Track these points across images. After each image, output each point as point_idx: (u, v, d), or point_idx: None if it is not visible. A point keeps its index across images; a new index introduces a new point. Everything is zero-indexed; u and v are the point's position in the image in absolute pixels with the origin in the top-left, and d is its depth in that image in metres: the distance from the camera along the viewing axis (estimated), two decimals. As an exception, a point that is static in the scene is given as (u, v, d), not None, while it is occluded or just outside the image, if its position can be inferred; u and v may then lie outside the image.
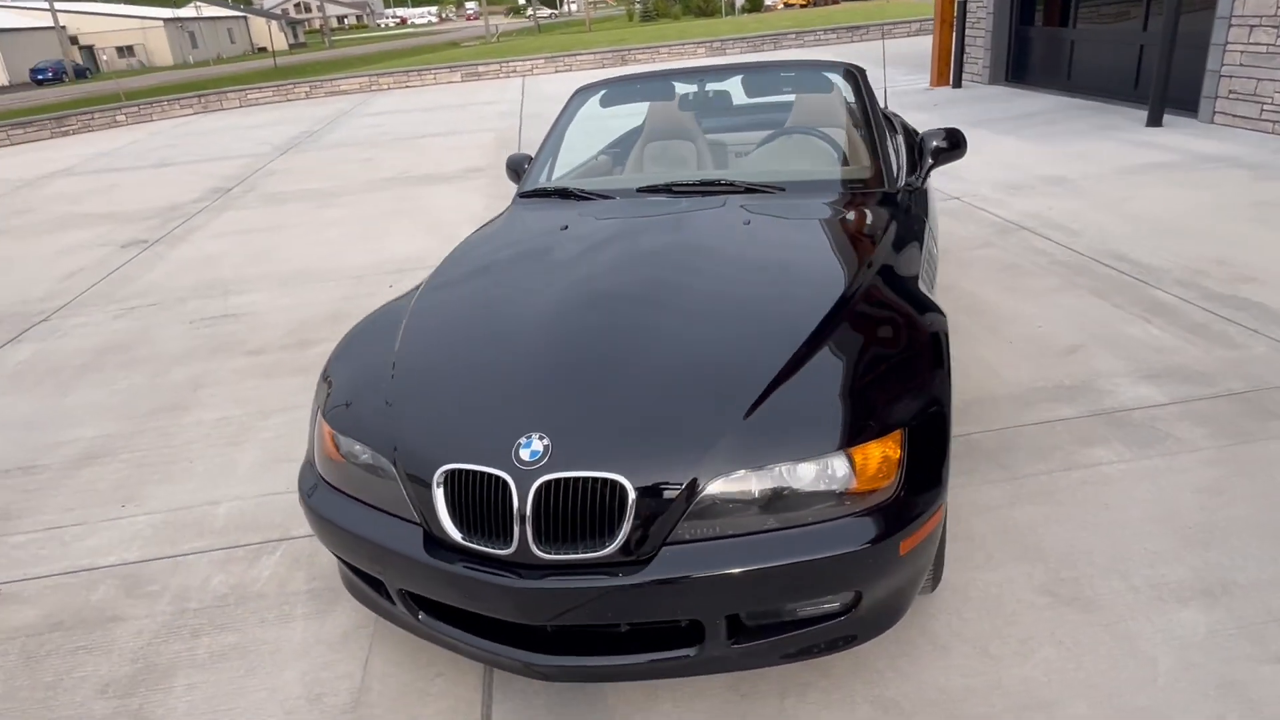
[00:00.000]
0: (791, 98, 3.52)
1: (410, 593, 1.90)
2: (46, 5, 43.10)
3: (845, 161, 3.03)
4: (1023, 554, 2.35)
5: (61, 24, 43.65)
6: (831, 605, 1.76)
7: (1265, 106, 7.03)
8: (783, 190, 2.79)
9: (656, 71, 3.54)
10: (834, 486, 1.71)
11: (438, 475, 1.76)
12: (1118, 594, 2.17)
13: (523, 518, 1.67)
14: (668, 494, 1.66)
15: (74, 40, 50.30)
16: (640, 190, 2.94)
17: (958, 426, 3.01)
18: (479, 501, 1.72)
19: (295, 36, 74.06)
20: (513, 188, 3.86)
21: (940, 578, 2.17)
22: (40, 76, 41.47)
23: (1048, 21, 10.38)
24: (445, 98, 16.53)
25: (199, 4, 61.61)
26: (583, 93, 3.53)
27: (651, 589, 1.63)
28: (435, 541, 1.78)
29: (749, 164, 3.20)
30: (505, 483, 1.69)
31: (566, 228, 2.67)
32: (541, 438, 1.72)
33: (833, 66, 3.38)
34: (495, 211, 5.58)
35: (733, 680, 2.01)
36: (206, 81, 25.65)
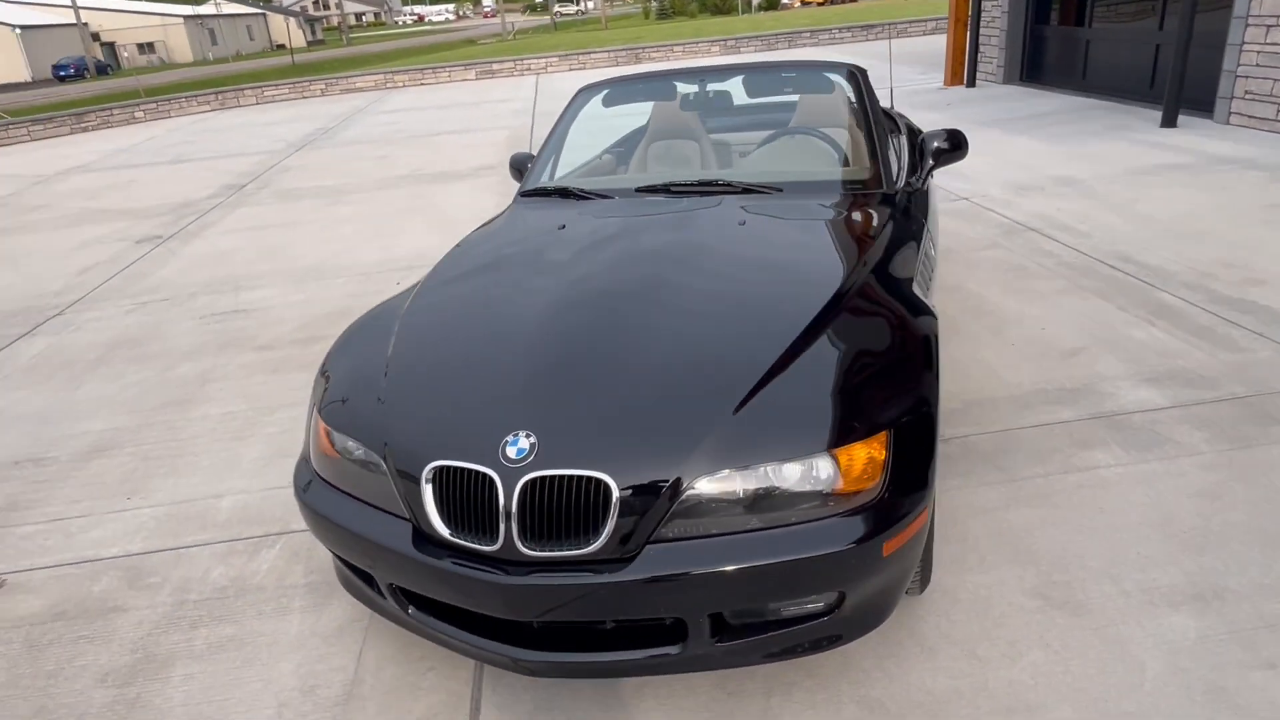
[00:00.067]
0: (792, 98, 3.52)
1: (401, 588, 1.92)
2: (69, 2, 43.62)
3: (844, 162, 3.03)
4: (1015, 557, 2.35)
5: (84, 21, 44.16)
6: (815, 605, 1.77)
7: (1282, 107, 6.95)
8: (780, 191, 2.80)
9: (658, 71, 3.55)
10: (819, 487, 1.72)
11: (426, 472, 1.78)
12: (1109, 598, 2.16)
13: (508, 514, 1.69)
14: (651, 493, 1.67)
15: (96, 37, 50.85)
16: (639, 190, 2.95)
17: (956, 428, 3.01)
18: (466, 498, 1.74)
19: (314, 34, 74.53)
20: (521, 186, 3.88)
21: (929, 579, 2.17)
22: (63, 73, 41.93)
23: (1063, 21, 10.30)
24: (459, 95, 16.60)
25: (219, 1, 62.11)
26: (585, 92, 3.55)
27: (634, 587, 1.65)
28: (424, 537, 1.80)
29: (747, 164, 3.21)
30: (491, 480, 1.71)
31: (564, 227, 2.69)
32: (528, 435, 1.74)
33: (834, 67, 3.38)
34: (503, 210, 5.61)
35: (720, 678, 2.03)
36: (225, 78, 25.88)
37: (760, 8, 51.84)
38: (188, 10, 57.57)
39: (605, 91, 3.50)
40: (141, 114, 17.19)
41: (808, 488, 1.72)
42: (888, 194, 2.80)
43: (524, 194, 3.20)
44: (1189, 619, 2.07)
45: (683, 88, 3.47)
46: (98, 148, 13.73)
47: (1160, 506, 2.50)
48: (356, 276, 5.60)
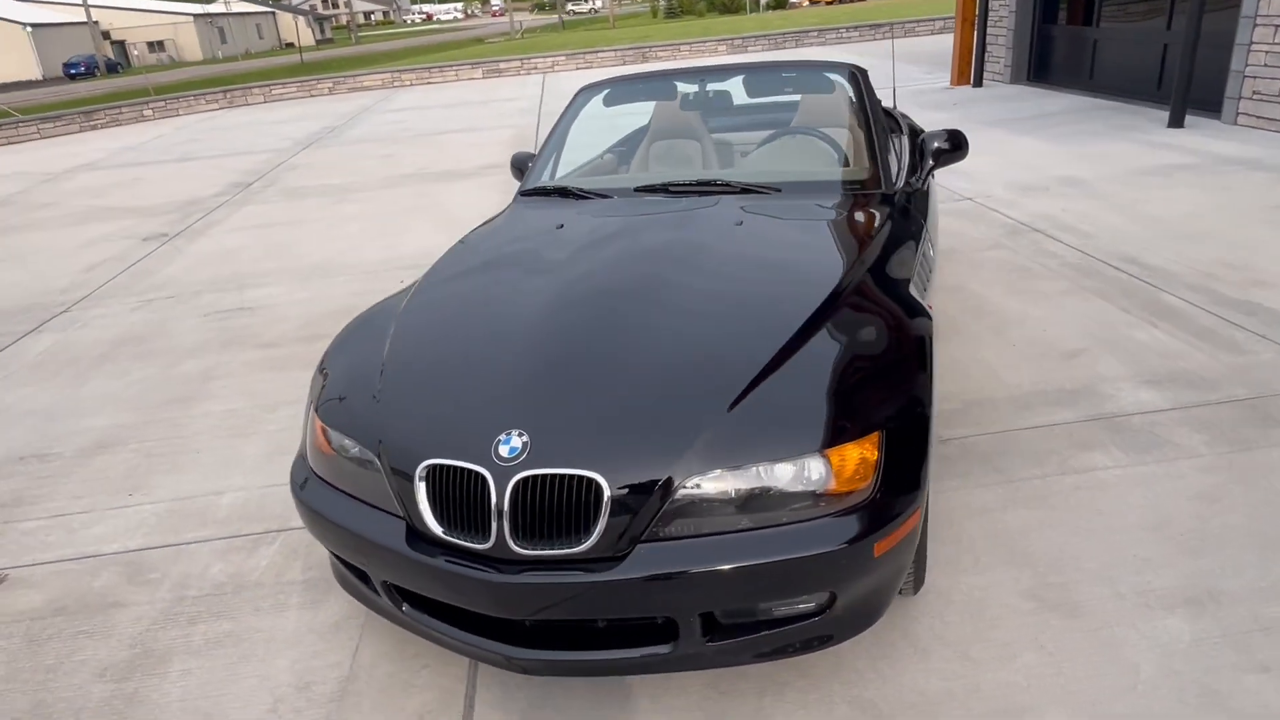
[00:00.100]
0: (792, 98, 3.52)
1: (395, 585, 1.93)
2: (80, 1, 43.82)
3: (842, 163, 3.03)
4: (1011, 558, 2.35)
5: (94, 19, 44.38)
6: (806, 605, 1.77)
7: (1290, 108, 6.91)
8: (779, 191, 2.80)
9: (659, 71, 3.56)
10: (810, 487, 1.72)
11: (420, 470, 1.79)
12: (1104, 600, 2.16)
13: (500, 513, 1.70)
14: (643, 492, 1.68)
15: (106, 35, 51.11)
16: (637, 190, 2.95)
17: (954, 429, 3.01)
18: (459, 496, 1.75)
19: (322, 32, 74.75)
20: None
21: (923, 580, 2.17)
22: (73, 71, 42.14)
23: (1071, 20, 10.25)
24: (466, 94, 16.63)
25: (228, 0, 62.34)
26: (585, 92, 3.56)
27: (625, 586, 1.65)
28: (417, 535, 1.81)
29: (746, 165, 3.21)
30: (484, 478, 1.72)
31: (562, 226, 2.70)
32: (521, 434, 1.75)
33: (834, 67, 3.38)
34: (506, 208, 5.62)
35: (712, 678, 2.03)
36: (234, 77, 25.98)
37: (768, 7, 51.77)
38: (197, 9, 57.80)
39: (605, 91, 3.51)
40: (150, 112, 17.28)
41: (800, 488, 1.72)
42: (886, 194, 2.80)
43: (523, 193, 3.20)
44: (1184, 622, 2.06)
45: (683, 88, 3.47)
46: (106, 146, 13.80)
47: (1158, 509, 2.49)
48: (360, 275, 5.62)
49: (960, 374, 3.42)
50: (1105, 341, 3.57)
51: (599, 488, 1.68)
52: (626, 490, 1.68)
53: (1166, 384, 3.18)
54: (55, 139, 15.68)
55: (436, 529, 1.77)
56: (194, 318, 5.06)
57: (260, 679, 2.17)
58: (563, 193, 3.08)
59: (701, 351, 1.92)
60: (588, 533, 1.68)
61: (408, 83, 19.58)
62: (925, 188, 3.16)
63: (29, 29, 45.90)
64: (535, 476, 1.70)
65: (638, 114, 3.63)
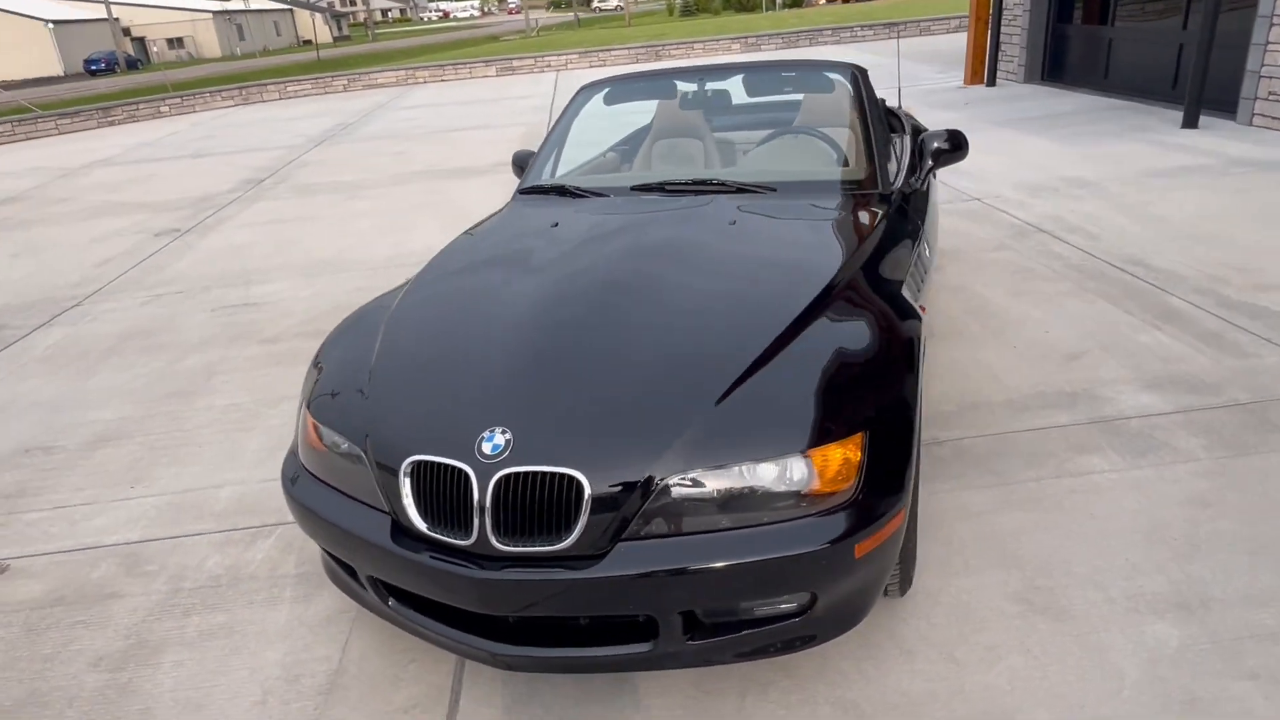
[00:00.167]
0: (791, 97, 3.51)
1: (381, 580, 1.95)
2: (101, -3, 44.27)
3: (839, 162, 3.02)
4: (1002, 561, 2.34)
5: (115, 16, 44.81)
6: (788, 605, 1.77)
7: (1306, 109, 6.83)
8: (774, 190, 2.80)
9: (660, 70, 3.56)
10: (793, 488, 1.72)
11: (405, 466, 1.80)
12: (1092, 604, 2.15)
13: (482, 509, 1.71)
14: (624, 491, 1.68)
15: (126, 32, 51.57)
16: (634, 189, 2.96)
17: (950, 430, 3.00)
18: (442, 492, 1.76)
19: (340, 29, 75.11)
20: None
21: (911, 582, 2.17)
22: (93, 67, 42.56)
23: (1086, 19, 10.16)
24: (479, 91, 16.68)
25: (247, -3, 62.74)
26: (586, 91, 3.57)
27: (605, 583, 1.66)
28: (402, 531, 1.83)
29: (743, 164, 3.21)
30: (466, 475, 1.73)
31: (557, 225, 2.71)
32: (504, 431, 1.76)
33: (835, 66, 3.37)
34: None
35: (696, 676, 2.04)
36: (250, 73, 26.17)
37: (784, 5, 51.55)
38: (216, 6, 58.24)
39: (606, 90, 3.52)
40: (166, 109, 17.44)
41: (782, 488, 1.72)
42: (883, 194, 2.79)
43: (522, 191, 3.22)
44: (1172, 627, 2.05)
45: (682, 87, 3.47)
46: (122, 141, 13.94)
47: (1152, 513, 2.47)
48: (367, 271, 5.65)
49: (959, 375, 3.40)
50: (1107, 344, 3.54)
51: (580, 485, 1.69)
52: (607, 488, 1.68)
53: (1167, 387, 3.15)
54: (73, 135, 15.85)
55: (420, 525, 1.79)
56: (201, 313, 5.11)
57: (251, 671, 2.20)
58: (560, 191, 3.09)
59: (686, 350, 1.92)
60: (568, 530, 1.69)
61: (421, 80, 19.65)
62: (924, 188, 3.15)
63: (51, 25, 46.39)
64: (517, 474, 1.71)
65: (644, 113, 3.63)
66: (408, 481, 1.80)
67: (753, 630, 1.77)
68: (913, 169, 3.19)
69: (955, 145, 3.09)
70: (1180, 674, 1.92)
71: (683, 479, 1.70)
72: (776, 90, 3.58)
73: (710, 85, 3.52)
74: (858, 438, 1.78)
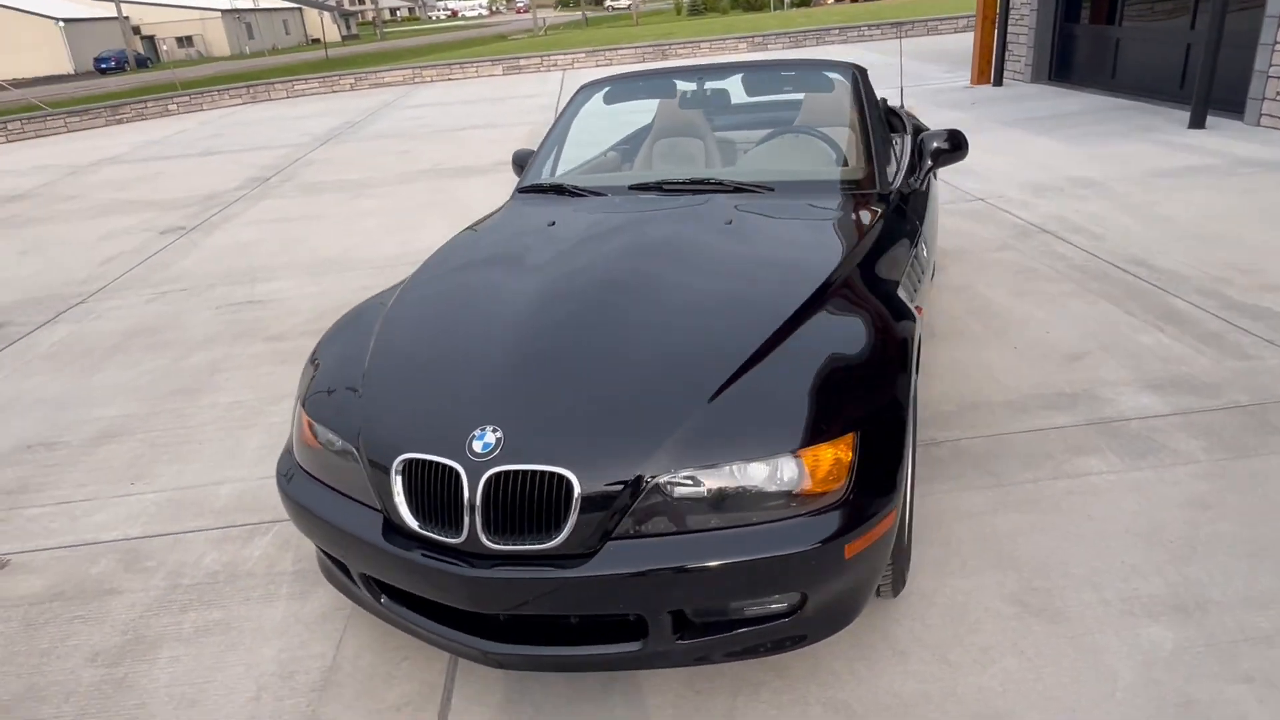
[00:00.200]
0: (790, 97, 3.51)
1: (374, 578, 1.95)
2: (111, -4, 44.47)
3: (837, 162, 3.01)
4: (998, 562, 2.33)
5: (125, 14, 45.04)
6: (778, 605, 1.77)
7: (1315, 109, 6.78)
8: (772, 190, 2.79)
9: (660, 69, 3.56)
10: (783, 487, 1.72)
11: (396, 464, 1.81)
12: (1088, 606, 2.14)
13: (473, 508, 1.72)
14: (613, 490, 1.69)
15: (136, 30, 51.86)
16: (632, 188, 2.96)
17: (948, 431, 2.99)
18: (433, 490, 1.77)
19: (349, 28, 75.29)
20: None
21: (904, 582, 2.16)
22: (104, 65, 42.80)
23: (1094, 19, 10.11)
24: (486, 90, 16.71)
25: (256, -5, 63.01)
26: (586, 90, 3.57)
27: (594, 583, 1.66)
28: (394, 528, 1.83)
29: (742, 163, 3.21)
30: (457, 473, 1.74)
31: (554, 224, 2.71)
32: (495, 430, 1.76)
33: (834, 66, 3.36)
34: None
35: (689, 676, 2.04)
36: (259, 72, 26.26)
37: (793, 4, 51.46)
38: (225, 4, 58.47)
39: (606, 89, 3.52)
40: (174, 107, 17.52)
41: (773, 488, 1.72)
42: (880, 194, 2.78)
43: (521, 190, 3.22)
44: (1167, 630, 2.04)
45: (681, 86, 3.47)
46: (130, 140, 14.01)
47: (1150, 515, 2.46)
48: (372, 270, 5.67)
49: (960, 375, 3.39)
50: (1108, 345, 3.52)
51: (569, 484, 1.69)
52: (597, 487, 1.68)
53: (1168, 389, 3.13)
54: (82, 133, 15.94)
55: (412, 523, 1.79)
56: (206, 310, 5.13)
57: (246, 667, 2.21)
58: (559, 190, 3.09)
59: (677, 349, 1.92)
60: (558, 529, 1.70)
61: (428, 79, 19.69)
62: (924, 187, 3.14)
63: (61, 24, 46.68)
64: (507, 472, 1.71)
65: (646, 112, 3.63)
66: (399, 479, 1.81)
67: (743, 630, 1.77)
68: (912, 169, 3.18)
69: (955, 145, 3.08)
70: (1175, 677, 1.91)
71: (673, 478, 1.70)
72: (776, 90, 3.57)
73: (709, 85, 3.52)
74: (849, 438, 1.77)
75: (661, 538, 1.69)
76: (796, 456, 1.73)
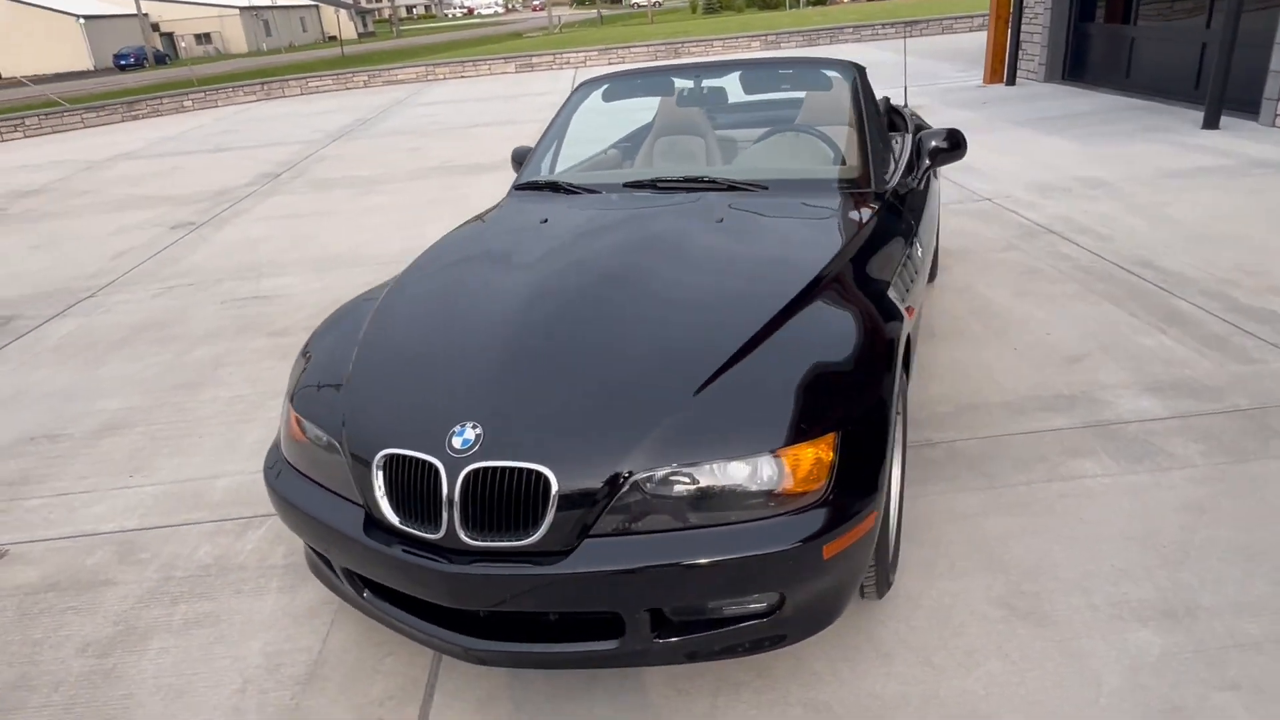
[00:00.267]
0: (788, 95, 3.49)
1: (356, 572, 1.96)
2: (130, -7, 44.88)
3: (832, 160, 3.00)
4: (987, 565, 2.31)
5: (144, 12, 45.44)
6: (756, 605, 1.76)
7: (1331, 110, 6.68)
8: (766, 188, 2.78)
9: (658, 67, 3.55)
10: (763, 487, 1.71)
11: (378, 459, 1.82)
12: (1076, 610, 2.12)
13: (451, 503, 1.72)
14: (591, 487, 1.68)
15: (155, 27, 52.32)
16: (626, 186, 2.96)
17: (944, 432, 2.97)
18: (413, 486, 1.77)
19: (365, 25, 75.64)
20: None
21: (889, 584, 2.15)
22: (123, 62, 43.23)
23: (1109, 18, 10.01)
24: (498, 88, 16.74)
25: (274, -7, 63.40)
26: (585, 87, 3.57)
27: (570, 580, 1.66)
28: (375, 523, 1.84)
29: (737, 162, 3.20)
30: (436, 469, 1.74)
31: (546, 221, 2.71)
32: (474, 427, 1.76)
33: (832, 64, 3.34)
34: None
35: (670, 675, 2.03)
36: (275, 69, 26.43)
37: (808, 2, 51.26)
38: (243, 2, 58.89)
39: (604, 86, 3.51)
40: (190, 103, 17.66)
41: (753, 487, 1.71)
42: (876, 193, 2.77)
43: (517, 187, 3.23)
44: (1155, 635, 2.02)
45: (679, 83, 3.46)
46: (146, 135, 14.14)
47: (1144, 519, 2.44)
48: (379, 266, 5.69)
49: (959, 376, 3.37)
50: (1109, 347, 3.49)
51: (547, 481, 1.69)
52: (574, 485, 1.68)
53: (1168, 392, 3.10)
54: (98, 128, 16.09)
55: (392, 518, 1.80)
56: (212, 305, 5.17)
57: (233, 659, 2.22)
58: (554, 187, 3.09)
59: (659, 346, 1.92)
60: (536, 526, 1.70)
61: (441, 76, 19.75)
62: (921, 187, 3.12)
63: (81, 21, 47.15)
64: (486, 469, 1.71)
65: (648, 109, 3.63)
66: (380, 474, 1.81)
67: (721, 629, 1.77)
68: (911, 168, 3.16)
69: (953, 144, 3.06)
70: (1161, 682, 1.89)
71: (651, 476, 1.70)
72: (774, 88, 3.56)
73: (707, 82, 3.51)
74: (830, 438, 1.76)
75: (639, 535, 1.69)
76: (777, 456, 1.72)
